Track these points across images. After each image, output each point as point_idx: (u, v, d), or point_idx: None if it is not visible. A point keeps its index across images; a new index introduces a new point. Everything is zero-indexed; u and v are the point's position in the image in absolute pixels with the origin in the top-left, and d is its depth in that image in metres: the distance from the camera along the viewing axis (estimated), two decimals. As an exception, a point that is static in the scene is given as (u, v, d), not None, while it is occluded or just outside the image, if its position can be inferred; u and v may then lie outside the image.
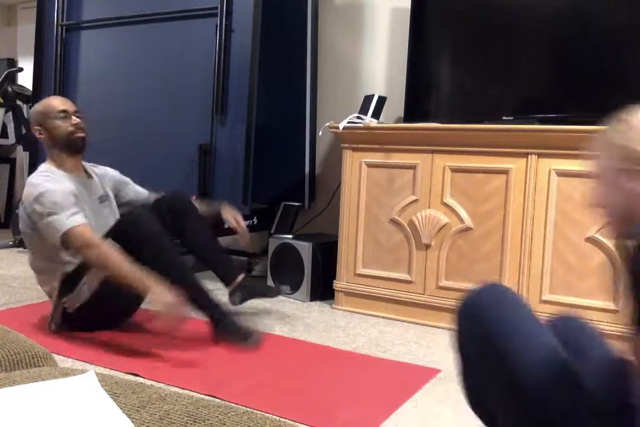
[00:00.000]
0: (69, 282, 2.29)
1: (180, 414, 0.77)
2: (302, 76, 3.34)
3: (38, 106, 2.42)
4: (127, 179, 2.67)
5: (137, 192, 2.66)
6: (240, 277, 2.45)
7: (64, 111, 2.37)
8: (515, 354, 1.07)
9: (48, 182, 2.26)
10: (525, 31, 2.66)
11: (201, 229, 2.49)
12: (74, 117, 2.39)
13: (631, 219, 1.03)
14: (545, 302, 2.42)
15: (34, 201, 2.23)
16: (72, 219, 2.17)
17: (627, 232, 0.95)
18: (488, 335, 1.13)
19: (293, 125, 3.34)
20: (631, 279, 0.87)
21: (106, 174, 2.60)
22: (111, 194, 2.55)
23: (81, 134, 2.42)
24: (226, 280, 2.46)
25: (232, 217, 2.56)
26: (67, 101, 2.43)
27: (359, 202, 2.82)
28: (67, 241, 2.17)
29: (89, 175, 2.50)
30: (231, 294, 2.44)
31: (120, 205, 2.58)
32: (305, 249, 3.00)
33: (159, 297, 2.00)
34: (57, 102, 2.40)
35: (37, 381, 0.84)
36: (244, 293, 2.44)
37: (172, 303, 1.99)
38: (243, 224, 2.56)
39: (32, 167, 3.74)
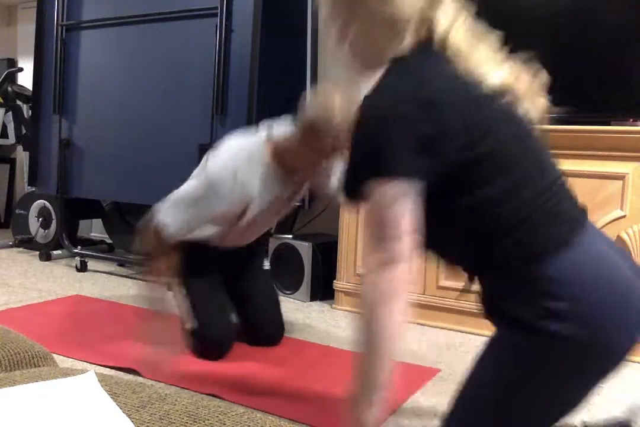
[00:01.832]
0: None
1: (180, 414, 0.77)
2: (302, 76, 3.34)
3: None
4: None
5: None
6: None
7: None
8: None
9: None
10: (525, 30, 2.66)
11: None
12: None
13: (365, 65, 1.16)
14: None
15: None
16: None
17: None
18: None
19: (293, 125, 3.33)
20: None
21: None
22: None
23: None
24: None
25: None
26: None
27: (359, 202, 2.81)
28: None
29: None
30: None
31: None
32: (305, 249, 3.00)
33: None
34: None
35: (37, 381, 0.84)
36: None
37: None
38: None
39: (32, 167, 3.74)
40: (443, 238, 1.12)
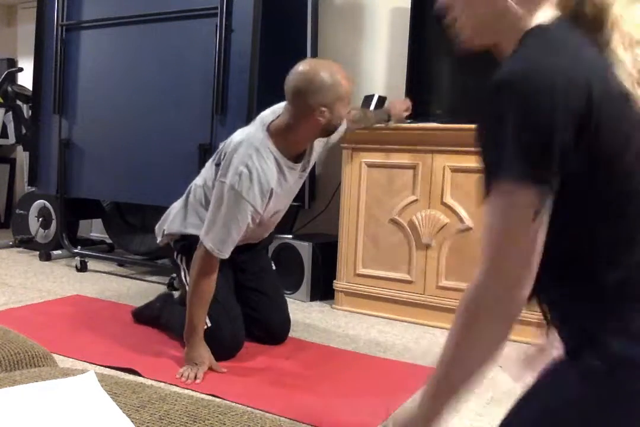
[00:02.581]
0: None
1: (180, 414, 0.77)
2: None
3: (328, 80, 1.95)
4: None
5: None
6: None
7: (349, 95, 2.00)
8: None
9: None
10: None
11: None
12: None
13: (489, 32, 0.93)
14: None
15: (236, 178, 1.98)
16: (223, 246, 2.00)
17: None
18: None
19: (293, 125, 3.33)
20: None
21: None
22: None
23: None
24: None
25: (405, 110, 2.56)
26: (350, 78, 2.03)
27: (359, 202, 2.82)
28: (198, 255, 2.03)
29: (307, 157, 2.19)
30: None
31: None
32: (305, 249, 3.00)
33: (191, 355, 2.03)
34: (348, 84, 1.99)
35: (37, 381, 0.84)
36: None
37: (198, 365, 2.00)
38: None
39: (33, 167, 3.74)
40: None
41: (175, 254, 2.29)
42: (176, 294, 2.61)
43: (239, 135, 2.09)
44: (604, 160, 0.82)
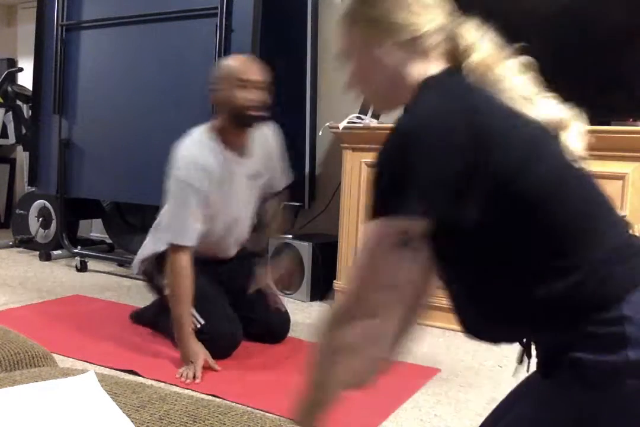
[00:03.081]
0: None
1: (180, 414, 0.77)
2: (302, 76, 3.34)
3: (223, 63, 2.14)
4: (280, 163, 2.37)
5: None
6: None
7: (244, 80, 2.04)
8: None
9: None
10: (525, 30, 2.65)
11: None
12: (255, 90, 2.06)
13: (390, 97, 1.03)
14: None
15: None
16: (183, 234, 2.04)
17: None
18: None
19: (293, 125, 3.33)
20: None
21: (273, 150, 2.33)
22: (266, 173, 2.30)
23: (255, 112, 2.08)
24: None
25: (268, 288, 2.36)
26: (256, 69, 2.08)
27: (359, 202, 2.81)
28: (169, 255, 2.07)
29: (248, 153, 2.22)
30: None
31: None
32: (305, 249, 3.00)
33: (185, 354, 2.04)
34: (236, 64, 2.09)
35: (37, 381, 0.84)
36: None
37: (194, 363, 2.00)
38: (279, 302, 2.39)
39: (33, 167, 3.74)
40: (488, 297, 0.94)
41: (153, 275, 2.32)
42: None
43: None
44: (506, 183, 0.87)
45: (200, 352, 2.03)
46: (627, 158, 2.25)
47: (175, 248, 2.03)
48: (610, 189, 2.30)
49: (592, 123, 2.55)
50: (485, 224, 0.88)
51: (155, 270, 2.28)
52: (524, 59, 0.99)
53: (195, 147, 2.10)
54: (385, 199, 0.88)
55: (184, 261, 2.03)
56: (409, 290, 0.95)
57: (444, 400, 1.87)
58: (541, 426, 0.91)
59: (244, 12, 2.91)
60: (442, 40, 0.98)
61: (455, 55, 0.98)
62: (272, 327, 2.35)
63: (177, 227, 2.06)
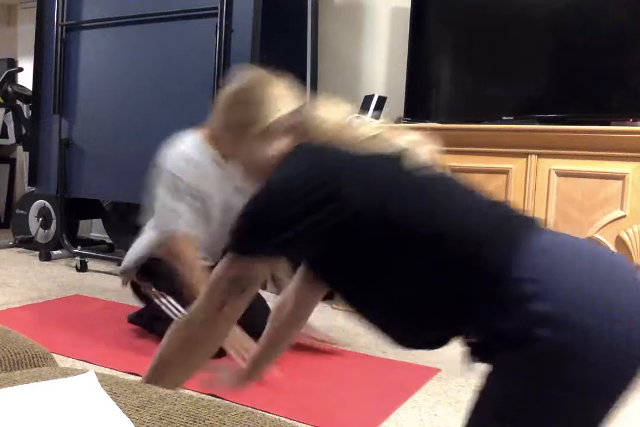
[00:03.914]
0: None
1: (180, 414, 0.77)
2: (302, 76, 3.34)
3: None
4: None
5: None
6: None
7: None
8: None
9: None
10: (526, 31, 2.66)
11: None
12: None
13: (254, 174, 1.20)
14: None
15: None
16: (175, 221, 1.98)
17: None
18: None
19: (293, 125, 3.33)
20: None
21: None
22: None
23: None
24: None
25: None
26: None
27: (359, 202, 2.81)
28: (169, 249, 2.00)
29: None
30: None
31: None
32: (305, 249, 2.99)
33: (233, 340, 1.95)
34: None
35: (37, 381, 0.84)
36: None
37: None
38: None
39: (33, 167, 3.74)
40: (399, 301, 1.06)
41: (140, 285, 2.30)
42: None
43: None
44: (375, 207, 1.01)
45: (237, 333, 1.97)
46: (627, 158, 2.25)
47: (172, 239, 1.96)
48: (610, 189, 2.31)
49: (592, 123, 2.56)
50: (348, 248, 1.04)
51: (142, 279, 2.27)
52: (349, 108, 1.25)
53: (181, 142, 2.13)
54: (239, 238, 1.08)
55: (187, 250, 1.95)
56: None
57: (444, 400, 1.87)
58: (494, 403, 0.96)
59: (244, 12, 2.91)
60: (291, 121, 1.16)
61: (307, 129, 1.15)
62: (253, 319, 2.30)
63: (167, 217, 1.99)
